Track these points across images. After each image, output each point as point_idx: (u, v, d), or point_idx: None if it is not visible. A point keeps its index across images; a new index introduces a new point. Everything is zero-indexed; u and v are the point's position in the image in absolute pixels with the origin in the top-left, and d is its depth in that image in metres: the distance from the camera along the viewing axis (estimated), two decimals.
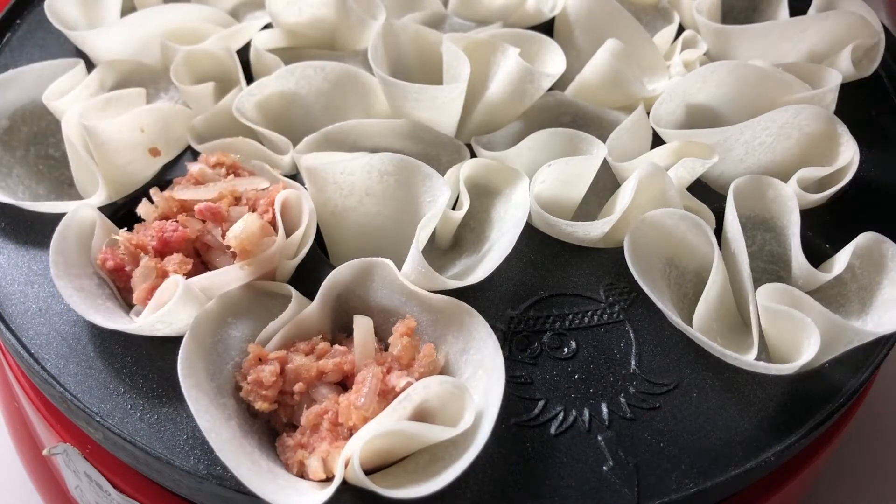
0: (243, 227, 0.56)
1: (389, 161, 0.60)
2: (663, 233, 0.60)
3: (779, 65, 0.70)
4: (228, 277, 0.56)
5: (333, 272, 0.57)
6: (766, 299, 0.54)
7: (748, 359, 0.54)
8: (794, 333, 0.53)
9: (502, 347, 0.54)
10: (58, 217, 0.59)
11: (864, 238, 0.58)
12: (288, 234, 0.58)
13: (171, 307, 0.53)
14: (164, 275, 0.56)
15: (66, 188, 0.69)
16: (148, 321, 0.53)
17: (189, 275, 0.56)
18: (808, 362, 0.52)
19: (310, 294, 0.57)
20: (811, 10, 0.77)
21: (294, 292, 0.56)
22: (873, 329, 0.53)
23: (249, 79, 0.72)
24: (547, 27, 0.79)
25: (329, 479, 0.48)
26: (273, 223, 0.58)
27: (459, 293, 0.57)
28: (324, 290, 0.56)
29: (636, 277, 0.56)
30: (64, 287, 0.55)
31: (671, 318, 0.55)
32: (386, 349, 0.54)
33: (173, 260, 0.56)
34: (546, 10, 0.79)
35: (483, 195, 0.64)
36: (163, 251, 0.57)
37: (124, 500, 0.58)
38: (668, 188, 0.61)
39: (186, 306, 0.54)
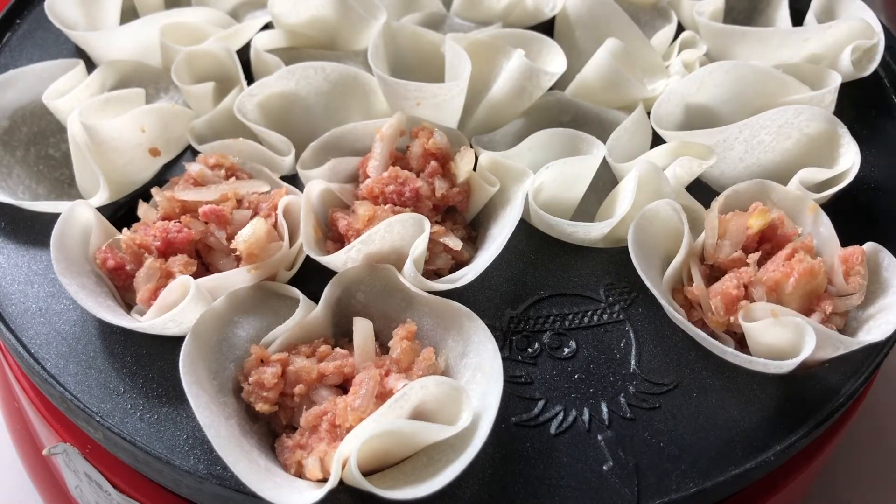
0: (252, 231, 0.56)
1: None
2: (661, 226, 0.59)
3: (778, 66, 0.70)
4: (235, 280, 0.56)
5: (336, 276, 0.57)
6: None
7: (748, 356, 0.54)
8: (788, 335, 0.53)
9: (502, 347, 0.54)
10: (57, 217, 0.59)
11: (864, 247, 0.58)
12: (290, 237, 0.58)
13: (183, 307, 0.53)
14: (167, 275, 0.56)
15: (66, 188, 0.69)
16: (160, 320, 0.54)
17: (192, 276, 0.56)
18: (805, 360, 0.52)
19: (311, 296, 0.57)
20: (811, 11, 0.77)
21: (301, 297, 0.56)
22: (860, 338, 0.54)
23: (249, 79, 0.72)
24: (547, 27, 0.79)
25: (326, 480, 0.48)
26: (276, 227, 0.58)
27: (459, 293, 0.57)
28: (326, 294, 0.56)
29: (640, 273, 0.56)
30: (69, 284, 0.55)
31: (672, 315, 0.55)
32: (386, 353, 0.54)
33: (178, 261, 0.57)
34: (546, 10, 0.79)
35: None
36: (166, 252, 0.58)
37: (124, 500, 0.58)
38: (663, 186, 0.61)
39: (197, 306, 0.54)
